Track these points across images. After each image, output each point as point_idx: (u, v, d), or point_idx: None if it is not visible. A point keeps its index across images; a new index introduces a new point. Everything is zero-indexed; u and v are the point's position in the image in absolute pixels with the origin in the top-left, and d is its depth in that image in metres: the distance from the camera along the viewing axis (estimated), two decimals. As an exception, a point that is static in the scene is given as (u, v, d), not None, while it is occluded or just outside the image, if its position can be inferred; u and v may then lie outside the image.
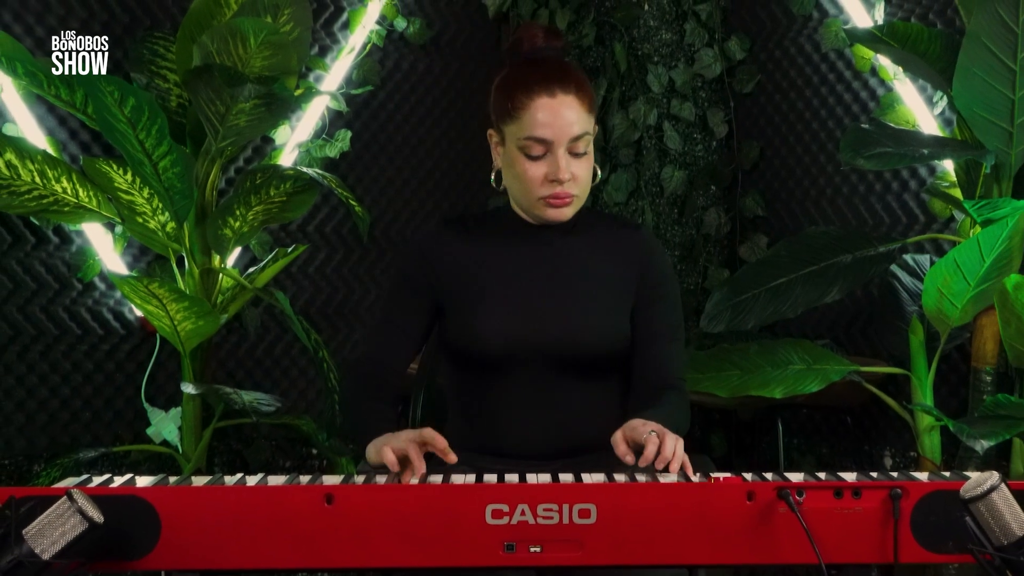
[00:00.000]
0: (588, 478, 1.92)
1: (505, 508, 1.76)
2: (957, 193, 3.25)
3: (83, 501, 1.65)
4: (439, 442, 1.98)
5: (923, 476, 1.90)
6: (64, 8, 3.51)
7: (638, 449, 1.99)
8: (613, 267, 2.37)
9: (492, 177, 2.39)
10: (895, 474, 1.94)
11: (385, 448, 1.97)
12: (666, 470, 1.93)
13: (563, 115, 2.23)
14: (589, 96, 2.28)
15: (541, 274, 2.35)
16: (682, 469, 1.94)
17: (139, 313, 3.56)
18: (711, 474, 1.93)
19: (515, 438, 2.29)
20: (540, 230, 2.36)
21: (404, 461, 1.97)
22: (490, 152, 2.40)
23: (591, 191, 2.36)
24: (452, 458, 1.97)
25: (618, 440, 2.03)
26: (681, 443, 1.98)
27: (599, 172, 2.37)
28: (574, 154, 2.25)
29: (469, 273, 2.35)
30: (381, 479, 1.94)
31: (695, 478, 1.92)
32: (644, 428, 2.01)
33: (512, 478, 1.91)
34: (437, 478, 1.94)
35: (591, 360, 2.31)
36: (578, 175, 2.26)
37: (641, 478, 1.94)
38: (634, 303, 2.36)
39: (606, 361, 2.33)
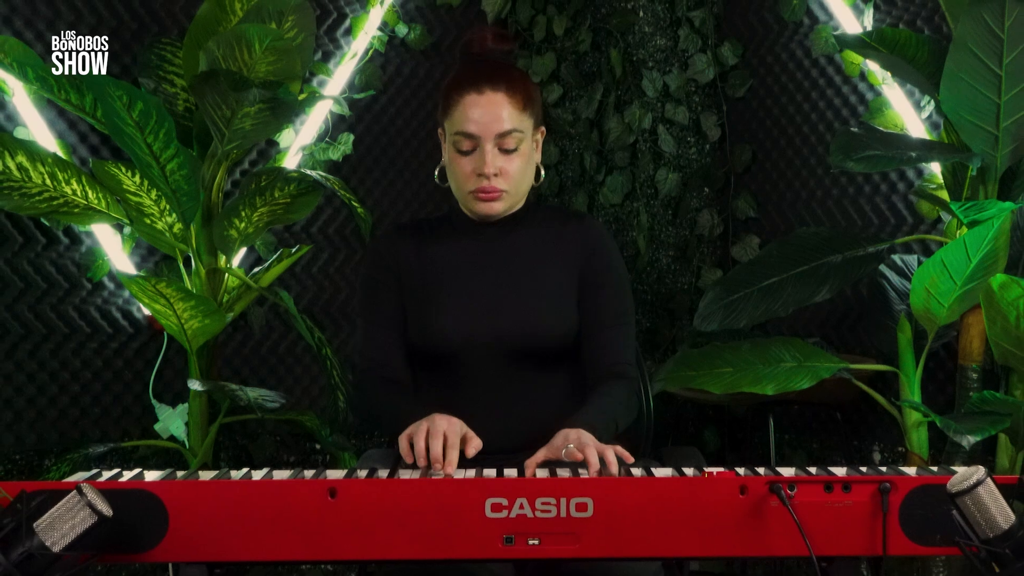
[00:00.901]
0: (583, 473, 1.93)
1: (504, 502, 1.76)
2: (944, 195, 3.25)
3: (92, 495, 1.65)
4: (472, 446, 2.03)
5: (911, 471, 1.91)
6: (74, 15, 3.51)
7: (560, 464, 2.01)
8: (560, 258, 2.39)
9: (436, 173, 2.45)
10: (884, 469, 1.94)
11: (418, 436, 2.00)
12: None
13: (489, 111, 2.27)
14: (522, 95, 2.30)
15: (492, 269, 2.37)
16: (620, 461, 1.96)
17: (147, 312, 3.56)
18: (705, 469, 1.93)
19: (477, 432, 2.29)
20: (488, 227, 2.40)
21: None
22: None
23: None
24: (470, 453, 2.02)
25: (533, 460, 2.02)
26: (604, 447, 1.98)
27: (542, 171, 2.40)
28: (503, 150, 2.29)
29: (424, 273, 2.38)
30: (383, 474, 1.94)
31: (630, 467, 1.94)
32: (560, 444, 2.03)
33: (511, 473, 1.91)
34: (438, 473, 1.94)
35: (544, 350, 2.33)
36: (507, 170, 2.29)
37: (637, 472, 1.94)
38: (579, 291, 2.37)
39: (559, 351, 2.35)
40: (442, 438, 1.99)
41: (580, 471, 1.96)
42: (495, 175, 2.28)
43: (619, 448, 1.97)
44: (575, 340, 2.36)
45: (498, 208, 2.33)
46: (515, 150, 2.29)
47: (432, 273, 2.38)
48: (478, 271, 2.37)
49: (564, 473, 1.92)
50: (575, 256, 2.39)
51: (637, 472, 1.94)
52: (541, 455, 2.03)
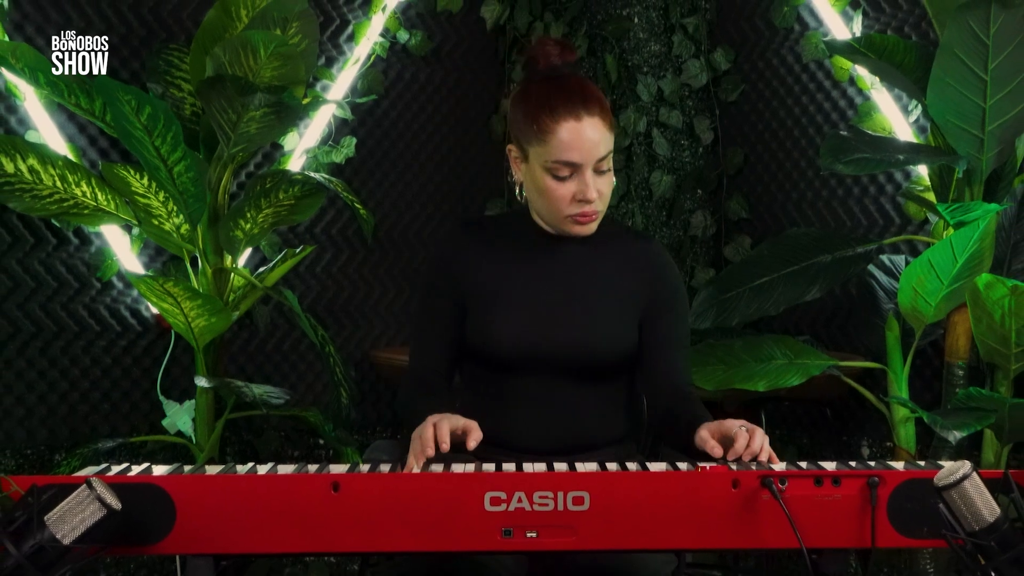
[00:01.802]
0: (581, 467, 1.92)
1: (503, 495, 1.76)
2: (931, 197, 3.25)
3: (102, 489, 1.65)
4: (472, 439, 2.00)
5: (899, 465, 1.91)
6: (84, 21, 3.51)
7: (726, 443, 1.98)
8: (624, 278, 2.33)
9: (516, 189, 2.34)
10: (872, 463, 1.94)
11: (427, 427, 1.99)
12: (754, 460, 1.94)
13: (589, 138, 2.17)
14: (610, 114, 2.23)
15: (555, 282, 2.32)
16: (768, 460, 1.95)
17: (155, 311, 3.56)
18: (698, 463, 1.93)
19: (520, 434, 2.28)
20: (557, 240, 2.33)
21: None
22: (509, 163, 2.35)
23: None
24: (471, 446, 1.99)
25: (706, 436, 2.01)
26: (767, 439, 1.98)
27: (615, 180, 2.35)
28: (598, 172, 2.20)
29: (487, 276, 2.32)
30: (385, 468, 1.94)
31: (777, 466, 1.91)
32: (734, 423, 2.00)
33: (509, 467, 1.91)
34: (438, 467, 1.94)
35: (597, 366, 2.29)
36: (603, 192, 2.22)
37: (632, 467, 1.94)
38: (644, 313, 2.33)
39: (611, 368, 2.31)
40: (432, 428, 1.98)
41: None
42: (595, 199, 2.21)
43: (772, 452, 1.97)
44: (629, 358, 2.32)
45: (593, 228, 2.26)
46: (608, 171, 2.22)
47: (495, 277, 2.32)
48: (541, 282, 2.32)
49: (561, 467, 1.92)
50: (640, 278, 2.33)
51: (632, 467, 1.94)
52: (715, 427, 2.02)
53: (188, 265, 3.42)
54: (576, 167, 2.18)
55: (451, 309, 2.33)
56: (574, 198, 2.20)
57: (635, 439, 2.42)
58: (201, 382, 3.29)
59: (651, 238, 2.43)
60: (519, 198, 2.35)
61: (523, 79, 2.35)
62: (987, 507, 1.68)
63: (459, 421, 2.03)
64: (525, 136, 2.23)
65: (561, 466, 1.93)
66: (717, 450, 1.97)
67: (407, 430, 2.12)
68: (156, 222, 3.36)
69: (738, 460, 1.94)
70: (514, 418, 2.29)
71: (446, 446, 1.96)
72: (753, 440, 1.94)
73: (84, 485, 1.65)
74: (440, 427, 1.97)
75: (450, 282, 2.33)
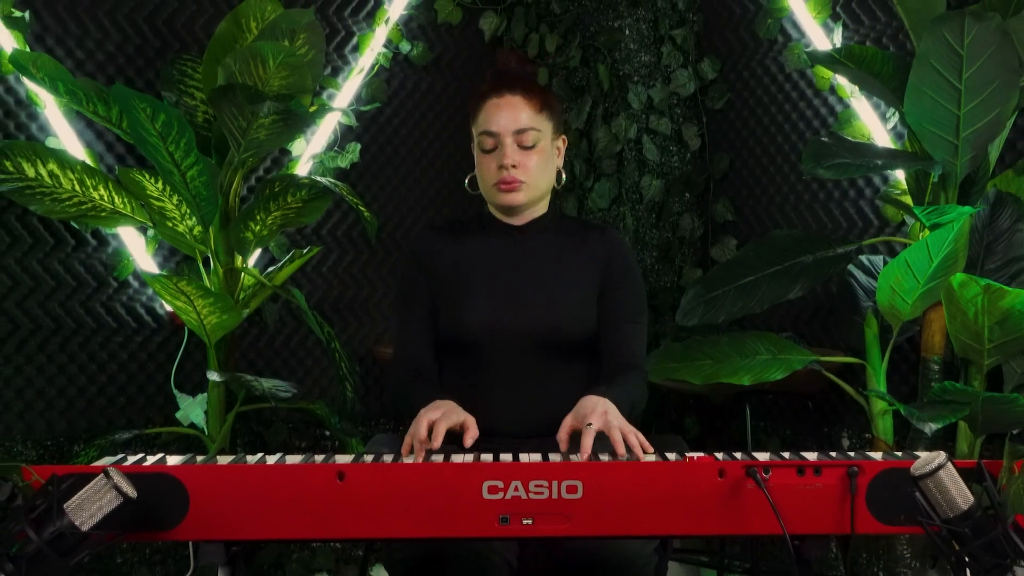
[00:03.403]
0: (575, 457, 1.93)
1: (500, 484, 1.76)
2: (908, 200, 3.25)
3: (118, 478, 1.65)
4: (469, 436, 2.03)
5: (877, 455, 1.91)
6: (101, 32, 3.50)
7: (578, 435, 2.00)
8: (582, 262, 2.42)
9: (467, 181, 2.49)
10: (852, 454, 1.94)
11: (422, 420, 2.01)
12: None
13: (507, 111, 2.34)
14: (539, 99, 2.37)
15: (519, 268, 2.41)
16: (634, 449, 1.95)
17: (169, 308, 3.56)
18: (686, 454, 1.93)
19: (497, 417, 2.31)
20: (516, 230, 2.44)
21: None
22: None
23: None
24: (467, 443, 2.03)
25: (563, 427, 2.05)
26: (629, 429, 1.99)
27: (563, 175, 2.45)
28: (522, 146, 2.34)
29: (456, 269, 2.41)
30: (388, 458, 1.94)
31: (655, 457, 1.92)
32: (587, 417, 2.02)
33: (506, 457, 1.91)
34: (438, 457, 1.94)
35: (564, 343, 2.36)
36: (526, 164, 2.34)
37: (623, 457, 1.94)
38: (599, 292, 2.41)
39: (576, 345, 2.38)
40: (427, 425, 2.00)
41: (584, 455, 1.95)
42: (514, 167, 2.33)
43: (643, 438, 1.97)
44: (593, 336, 2.39)
45: (520, 199, 2.37)
46: (533, 147, 2.35)
47: (463, 269, 2.41)
48: (506, 269, 2.41)
49: (555, 458, 1.92)
50: (596, 261, 2.43)
51: (624, 457, 1.94)
52: (568, 423, 2.05)
53: (200, 265, 3.42)
54: (496, 137, 2.34)
55: (427, 300, 2.42)
56: (496, 166, 2.34)
57: None
58: (213, 376, 3.29)
59: (607, 228, 2.52)
60: (468, 188, 2.49)
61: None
62: (961, 495, 1.68)
63: (456, 417, 2.05)
64: (471, 120, 2.41)
65: (555, 457, 1.93)
66: (563, 446, 2.03)
67: (407, 418, 2.15)
68: (170, 224, 3.36)
69: (723, 451, 1.95)
70: (490, 402, 2.33)
71: (437, 445, 1.97)
72: (614, 442, 1.95)
73: (102, 474, 1.65)
74: (437, 427, 1.99)
75: (423, 276, 2.42)
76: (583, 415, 2.04)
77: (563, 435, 2.03)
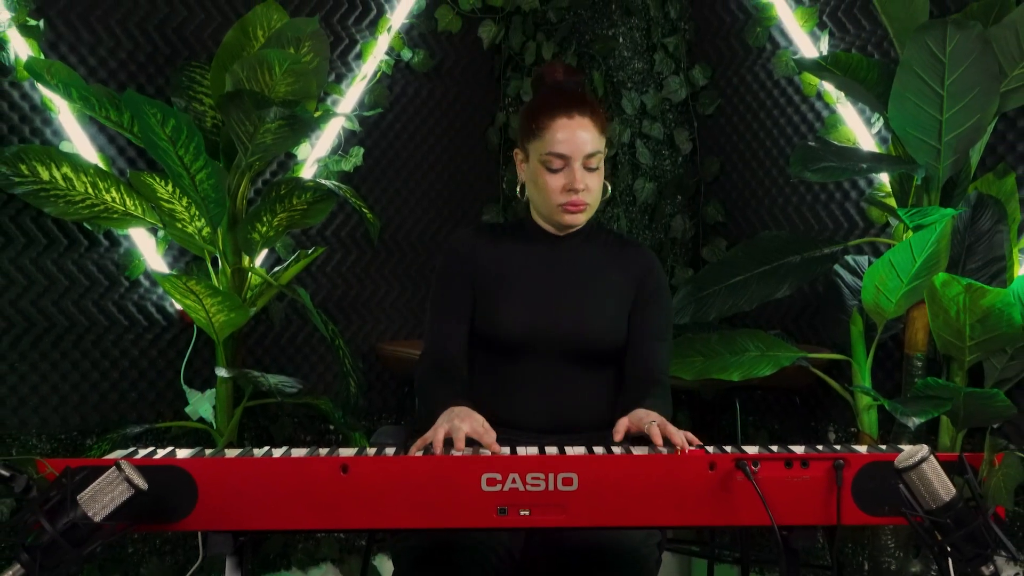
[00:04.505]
0: (571, 450, 1.93)
1: (498, 477, 1.76)
2: (892, 202, 3.26)
3: (130, 470, 1.65)
4: (488, 440, 1.98)
5: (862, 449, 1.91)
6: (113, 40, 3.50)
7: (639, 437, 2.02)
8: (617, 275, 2.40)
9: (517, 189, 2.44)
10: (838, 447, 1.94)
11: (439, 432, 1.97)
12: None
13: (579, 134, 2.28)
14: (602, 120, 2.33)
15: (556, 275, 2.38)
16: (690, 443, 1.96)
17: (179, 307, 3.55)
18: (677, 447, 1.93)
19: (522, 413, 2.32)
20: (557, 238, 2.41)
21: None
22: (515, 169, 2.44)
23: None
24: (496, 448, 1.97)
25: (620, 428, 2.06)
26: (675, 431, 1.99)
27: (610, 188, 2.43)
28: (587, 168, 2.30)
29: (495, 270, 2.39)
30: (390, 451, 1.94)
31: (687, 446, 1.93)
32: (647, 418, 2.04)
33: (504, 451, 1.91)
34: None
35: (593, 352, 2.34)
36: (591, 186, 2.31)
37: (617, 451, 1.94)
38: (632, 306, 2.39)
39: (605, 354, 2.36)
40: (443, 434, 1.97)
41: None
42: (583, 190, 2.30)
43: (690, 434, 1.98)
44: (621, 348, 2.38)
45: (582, 219, 2.36)
46: (596, 168, 2.32)
47: (504, 270, 2.39)
48: (544, 275, 2.38)
49: (552, 451, 1.92)
50: (632, 276, 2.41)
51: (617, 450, 1.94)
52: (625, 424, 2.06)
53: (209, 265, 3.42)
54: (566, 159, 2.28)
55: (464, 297, 2.39)
56: (564, 188, 2.29)
57: None
58: (221, 372, 3.29)
59: (641, 245, 2.51)
60: (520, 197, 2.43)
61: (533, 94, 2.47)
62: (943, 487, 1.68)
63: (472, 426, 2.00)
64: (527, 135, 2.34)
65: (552, 450, 1.93)
66: (619, 437, 2.04)
67: (425, 410, 2.18)
68: (180, 225, 3.36)
69: (713, 445, 1.95)
70: (516, 399, 2.33)
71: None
72: (670, 436, 1.96)
73: (113, 467, 1.65)
74: (457, 436, 1.96)
75: (462, 273, 2.39)
76: (639, 419, 2.06)
77: (619, 437, 2.04)
